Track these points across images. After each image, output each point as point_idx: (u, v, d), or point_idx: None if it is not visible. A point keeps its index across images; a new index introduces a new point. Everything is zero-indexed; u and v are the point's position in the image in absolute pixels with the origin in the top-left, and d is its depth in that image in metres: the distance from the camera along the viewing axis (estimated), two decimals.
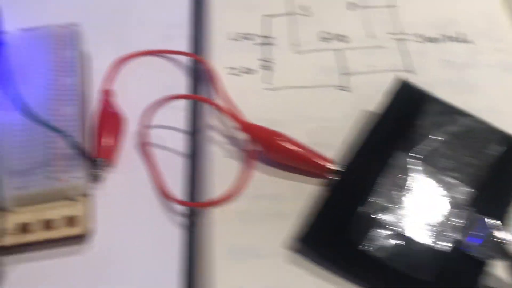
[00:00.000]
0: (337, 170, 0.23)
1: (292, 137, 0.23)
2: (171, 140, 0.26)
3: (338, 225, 0.21)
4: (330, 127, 0.24)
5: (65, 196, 0.23)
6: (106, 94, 0.27)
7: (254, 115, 0.24)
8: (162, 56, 0.29)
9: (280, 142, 0.23)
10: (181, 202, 0.24)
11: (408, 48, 0.28)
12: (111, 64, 0.28)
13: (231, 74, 0.26)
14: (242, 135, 0.24)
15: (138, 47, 0.29)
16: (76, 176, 0.22)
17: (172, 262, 0.23)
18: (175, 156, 0.26)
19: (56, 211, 0.23)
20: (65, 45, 0.27)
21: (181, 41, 0.30)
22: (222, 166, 0.24)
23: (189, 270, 0.22)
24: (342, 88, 0.26)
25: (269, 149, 0.23)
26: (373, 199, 0.22)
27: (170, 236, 0.23)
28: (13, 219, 0.22)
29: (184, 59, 0.29)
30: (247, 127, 0.23)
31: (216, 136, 0.25)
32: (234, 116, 0.24)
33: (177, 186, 0.25)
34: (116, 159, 0.25)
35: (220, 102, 0.25)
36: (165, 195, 0.24)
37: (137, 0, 0.31)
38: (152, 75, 0.29)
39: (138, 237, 0.23)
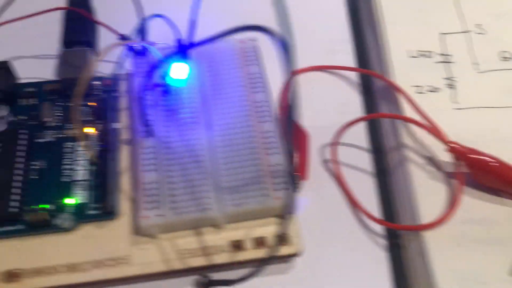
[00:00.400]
0: None
1: (504, 161, 0.23)
2: (356, 158, 0.26)
3: None
4: None
5: (276, 214, 0.22)
6: (287, 110, 0.27)
7: (448, 135, 0.24)
8: (329, 72, 0.29)
9: (493, 165, 0.22)
10: (388, 224, 0.23)
11: None
12: (285, 80, 0.28)
13: (418, 92, 0.26)
14: (446, 156, 0.24)
15: (302, 62, 0.29)
16: (290, 195, 0.22)
17: (381, 284, 0.22)
18: (363, 175, 0.25)
19: (268, 229, 0.22)
20: (249, 60, 0.27)
21: (346, 57, 0.30)
22: (424, 188, 0.23)
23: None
24: None
25: (480, 172, 0.23)
26: None
27: (375, 256, 0.23)
28: (227, 237, 0.22)
29: (351, 74, 0.29)
30: (455, 148, 0.23)
31: (414, 156, 0.24)
32: (440, 136, 0.23)
33: (371, 206, 0.24)
34: (307, 175, 0.25)
35: (421, 121, 0.24)
36: (368, 215, 0.23)
37: (298, 15, 0.31)
38: (324, 90, 0.28)
39: (342, 257, 0.23)
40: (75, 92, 0.19)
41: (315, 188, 0.25)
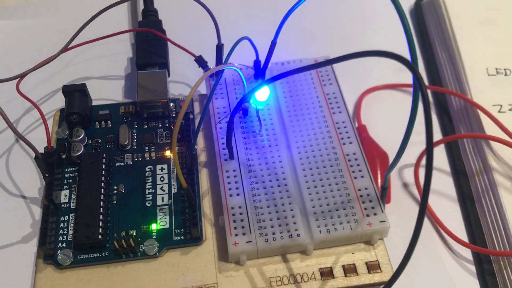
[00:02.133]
0: None
1: None
2: (437, 182, 0.25)
3: None
4: None
5: (365, 240, 0.22)
6: (363, 130, 0.26)
7: None
8: (400, 90, 0.29)
9: None
10: (480, 249, 0.22)
11: None
12: (358, 99, 0.27)
13: (499, 112, 0.25)
14: None
15: (370, 80, 0.28)
16: (381, 221, 0.21)
17: None
18: (446, 199, 0.25)
19: (358, 255, 0.22)
20: (324, 79, 0.26)
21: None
22: None
23: None
24: None
25: None
26: None
27: (467, 282, 0.22)
28: (315, 263, 0.22)
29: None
30: None
31: (502, 178, 0.23)
32: None
33: (457, 231, 0.24)
34: (390, 199, 0.24)
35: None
36: (457, 239, 0.23)
37: (356, 29, 0.30)
38: (394, 108, 0.28)
39: (430, 282, 0.22)
40: (178, 116, 0.19)
41: (397, 212, 0.24)
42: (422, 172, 0.25)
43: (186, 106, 0.19)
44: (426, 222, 0.24)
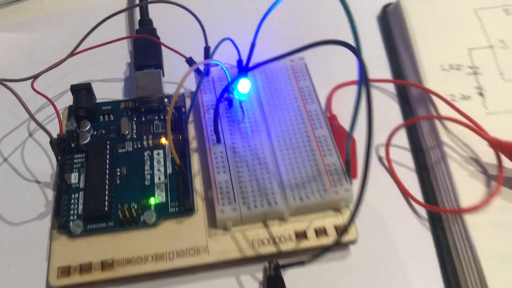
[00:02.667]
0: None
1: None
2: (400, 157, 0.29)
3: None
4: None
5: (333, 207, 0.26)
6: (334, 118, 0.30)
7: None
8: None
9: None
10: (435, 208, 0.26)
11: None
12: (330, 92, 0.31)
13: (452, 100, 0.29)
14: (483, 151, 0.27)
15: (345, 78, 0.32)
16: (346, 189, 0.25)
17: (430, 260, 0.25)
18: (407, 171, 0.28)
19: (327, 220, 0.25)
20: (299, 76, 0.30)
21: (383, 72, 0.33)
22: (465, 180, 0.26)
23: (448, 270, 0.25)
24: None
25: None
26: None
27: (423, 237, 0.26)
28: (291, 228, 0.25)
29: (388, 86, 0.32)
30: (496, 142, 0.26)
31: (452, 152, 0.27)
32: (481, 132, 0.26)
33: (417, 194, 0.27)
34: (356, 174, 0.28)
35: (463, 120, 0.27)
36: (416, 200, 0.26)
37: (330, 33, 0.34)
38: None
39: (393, 240, 0.26)
40: (168, 108, 0.23)
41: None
42: (392, 149, 0.29)
43: (177, 94, 0.23)
44: (394, 188, 0.28)
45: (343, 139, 0.29)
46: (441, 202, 0.27)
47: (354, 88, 0.32)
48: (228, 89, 0.25)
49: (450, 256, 0.25)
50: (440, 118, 0.28)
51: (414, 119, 0.30)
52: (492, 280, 0.23)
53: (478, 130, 0.27)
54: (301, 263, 0.23)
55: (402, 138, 0.30)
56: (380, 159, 0.29)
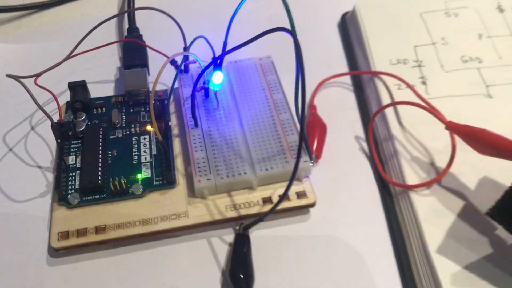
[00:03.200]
0: None
1: (492, 131, 0.27)
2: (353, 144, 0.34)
3: None
4: None
5: (296, 177, 0.30)
6: (313, 108, 0.35)
7: None
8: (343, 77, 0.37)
9: (488, 135, 0.26)
10: (390, 181, 0.30)
11: None
12: (316, 85, 0.36)
13: (398, 89, 0.34)
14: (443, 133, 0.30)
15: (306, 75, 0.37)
16: (304, 160, 0.30)
17: (380, 222, 0.29)
18: (363, 155, 0.33)
19: (291, 188, 0.30)
20: (267, 71, 0.35)
21: (342, 69, 0.38)
22: (417, 161, 0.31)
23: (395, 229, 0.29)
24: (488, 96, 0.33)
25: (474, 142, 0.27)
26: None
27: (374, 204, 0.30)
28: (259, 195, 0.29)
29: (347, 79, 0.37)
30: (452, 125, 0.29)
31: (409, 137, 0.32)
32: (439, 115, 0.30)
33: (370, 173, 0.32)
34: (321, 155, 0.32)
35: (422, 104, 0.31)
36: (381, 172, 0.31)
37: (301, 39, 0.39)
38: (337, 92, 0.36)
39: (347, 205, 0.30)
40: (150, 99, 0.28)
41: (328, 163, 0.32)
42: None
43: (156, 83, 0.27)
44: (352, 161, 0.32)
45: (315, 126, 0.33)
46: (390, 175, 0.31)
47: (339, 82, 0.37)
48: (202, 75, 0.29)
49: (396, 219, 0.30)
50: (401, 103, 0.32)
51: (375, 113, 0.32)
52: (428, 232, 0.27)
53: (436, 112, 0.30)
54: (260, 219, 0.27)
55: (358, 129, 0.34)
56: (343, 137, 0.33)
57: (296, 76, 0.25)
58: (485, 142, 0.27)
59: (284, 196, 0.26)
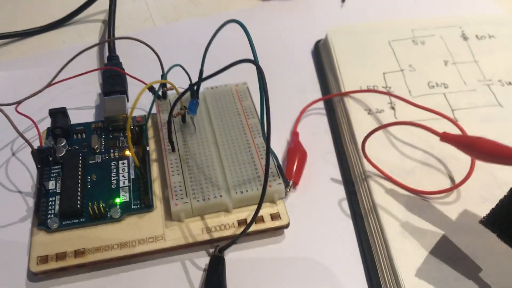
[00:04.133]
0: None
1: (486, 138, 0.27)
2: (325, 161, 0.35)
3: None
4: None
5: (270, 199, 0.31)
6: (296, 135, 0.36)
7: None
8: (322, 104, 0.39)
9: (485, 142, 0.26)
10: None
11: (493, 90, 0.37)
12: (300, 111, 0.37)
13: (369, 114, 0.35)
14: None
15: (280, 100, 0.38)
16: (278, 183, 0.31)
17: (351, 242, 0.30)
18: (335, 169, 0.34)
19: (265, 210, 0.31)
20: (243, 97, 0.36)
21: (315, 94, 0.40)
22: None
23: (365, 249, 0.30)
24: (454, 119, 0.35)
25: (472, 151, 0.27)
26: None
27: (346, 225, 0.31)
28: (235, 217, 0.30)
29: (321, 106, 0.39)
30: (447, 136, 0.29)
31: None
32: (432, 130, 0.29)
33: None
34: (299, 180, 0.33)
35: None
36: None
37: (274, 66, 0.41)
38: (318, 118, 0.38)
39: (319, 226, 0.31)
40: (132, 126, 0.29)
41: (306, 189, 0.33)
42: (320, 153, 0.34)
43: (133, 109, 0.28)
44: (323, 181, 0.33)
45: (296, 152, 0.35)
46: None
47: (319, 108, 0.38)
48: (177, 101, 0.31)
49: (367, 239, 0.31)
50: (403, 123, 0.31)
51: (380, 127, 0.33)
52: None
53: (430, 128, 0.29)
54: (233, 242, 0.28)
55: (327, 142, 0.36)
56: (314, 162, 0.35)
57: (261, 103, 0.26)
58: (482, 150, 0.27)
59: (253, 220, 0.27)
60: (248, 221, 0.30)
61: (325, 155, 0.35)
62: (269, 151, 0.26)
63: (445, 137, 0.29)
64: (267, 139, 0.26)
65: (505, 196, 0.26)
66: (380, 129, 0.32)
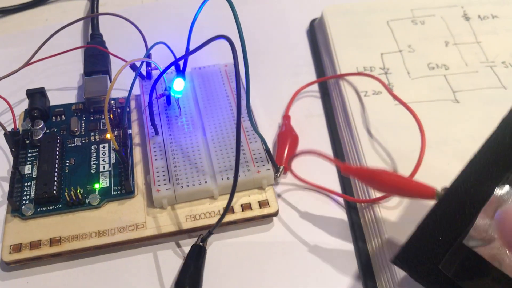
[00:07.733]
0: (441, 196, 0.23)
1: (391, 171, 0.28)
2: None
3: (434, 252, 0.22)
4: None
5: (258, 185, 0.29)
6: (287, 118, 0.34)
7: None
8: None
9: (380, 179, 0.26)
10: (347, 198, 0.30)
11: (496, 72, 0.35)
12: (292, 95, 0.35)
13: (365, 96, 0.34)
14: None
15: (272, 82, 0.36)
16: (267, 169, 0.29)
17: (344, 231, 0.29)
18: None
19: (252, 197, 0.29)
20: (232, 77, 0.34)
21: (309, 76, 0.38)
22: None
23: (358, 238, 0.28)
24: (455, 101, 0.33)
25: (372, 185, 0.27)
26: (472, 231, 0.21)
27: (337, 215, 0.30)
28: (221, 204, 0.29)
29: (315, 88, 0.37)
30: (348, 169, 0.28)
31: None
32: (336, 162, 0.29)
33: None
34: (290, 166, 0.32)
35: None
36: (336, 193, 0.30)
37: (267, 46, 0.39)
38: (309, 102, 0.36)
39: (309, 214, 0.30)
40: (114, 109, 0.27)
41: (296, 174, 0.31)
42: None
43: (110, 92, 0.26)
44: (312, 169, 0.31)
45: (287, 136, 0.33)
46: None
47: (313, 91, 0.36)
48: (157, 80, 0.29)
49: (360, 228, 0.29)
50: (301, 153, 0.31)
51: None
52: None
53: (334, 159, 0.30)
54: (209, 233, 0.27)
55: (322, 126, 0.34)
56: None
57: (236, 81, 0.25)
58: (381, 183, 0.26)
59: (228, 208, 0.25)
60: (235, 209, 0.28)
61: (318, 140, 0.33)
62: (239, 137, 0.25)
63: (346, 170, 0.28)
64: (237, 122, 0.24)
65: (413, 233, 0.22)
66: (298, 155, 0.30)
